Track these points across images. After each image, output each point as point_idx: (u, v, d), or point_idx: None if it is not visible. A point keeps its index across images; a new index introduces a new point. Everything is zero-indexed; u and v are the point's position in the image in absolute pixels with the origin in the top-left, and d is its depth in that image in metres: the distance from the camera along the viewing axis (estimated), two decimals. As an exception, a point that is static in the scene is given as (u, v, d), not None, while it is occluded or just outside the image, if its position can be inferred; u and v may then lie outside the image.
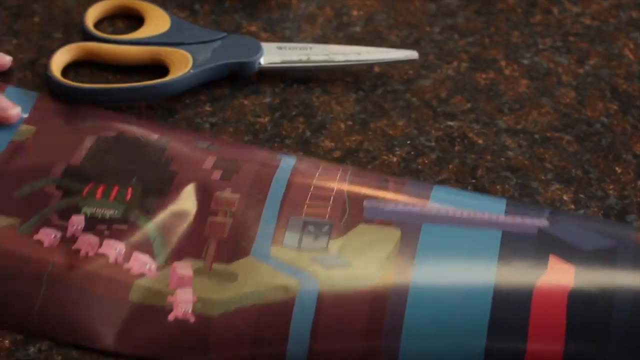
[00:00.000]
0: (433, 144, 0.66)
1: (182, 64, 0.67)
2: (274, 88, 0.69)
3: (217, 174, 0.59)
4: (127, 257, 0.56)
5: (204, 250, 0.56)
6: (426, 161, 0.65)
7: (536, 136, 0.66)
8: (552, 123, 0.67)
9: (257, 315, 0.53)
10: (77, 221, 0.57)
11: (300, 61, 0.68)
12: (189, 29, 0.70)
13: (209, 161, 0.60)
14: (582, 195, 0.62)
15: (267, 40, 0.73)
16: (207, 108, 0.67)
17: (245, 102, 0.68)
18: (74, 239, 0.57)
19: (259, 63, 0.68)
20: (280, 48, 0.68)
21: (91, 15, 0.71)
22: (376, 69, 0.71)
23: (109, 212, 0.57)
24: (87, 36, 0.70)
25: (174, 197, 0.58)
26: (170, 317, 0.54)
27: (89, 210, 0.58)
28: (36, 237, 0.57)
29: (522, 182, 0.63)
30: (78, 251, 0.56)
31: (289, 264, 0.55)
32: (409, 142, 0.66)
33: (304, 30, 0.74)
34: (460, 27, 0.74)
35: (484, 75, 0.71)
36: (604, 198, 0.62)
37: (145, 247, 0.56)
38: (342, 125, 0.67)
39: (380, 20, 0.75)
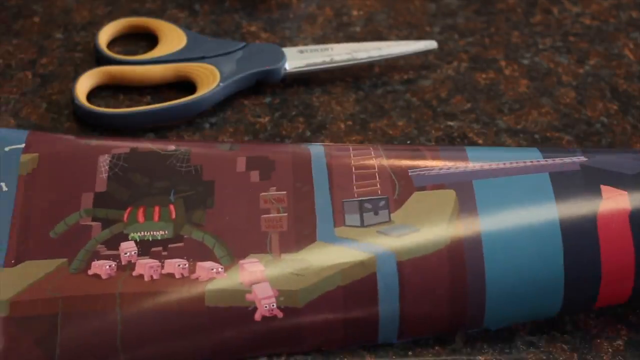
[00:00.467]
0: (433, 144, 0.66)
1: (209, 79, 0.66)
2: (274, 88, 0.69)
3: (255, 176, 0.58)
4: (192, 269, 0.54)
5: (267, 244, 0.55)
6: (426, 161, 0.65)
7: (536, 136, 0.66)
8: (552, 123, 0.67)
9: (344, 296, 0.53)
10: (128, 247, 0.55)
11: (324, 62, 0.68)
12: (207, 42, 0.69)
13: (240, 163, 0.59)
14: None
15: (267, 40, 0.73)
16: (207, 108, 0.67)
17: (245, 102, 0.68)
18: (131, 265, 0.55)
19: (285, 69, 0.68)
20: (301, 52, 0.68)
21: (103, 37, 0.70)
22: (376, 69, 0.71)
23: (159, 234, 0.56)
24: (103, 59, 0.69)
25: (221, 208, 0.57)
26: (257, 316, 0.53)
27: (136, 235, 0.56)
28: (90, 272, 0.54)
29: (522, 182, 0.63)
30: (141, 276, 0.54)
31: (358, 241, 0.55)
32: (409, 142, 0.66)
33: (304, 30, 0.74)
34: (460, 27, 0.74)
35: (484, 75, 0.71)
36: (604, 198, 0.63)
37: (207, 255, 0.55)
38: (342, 125, 0.67)
39: (380, 20, 0.75)
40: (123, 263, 0.55)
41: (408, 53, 0.70)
